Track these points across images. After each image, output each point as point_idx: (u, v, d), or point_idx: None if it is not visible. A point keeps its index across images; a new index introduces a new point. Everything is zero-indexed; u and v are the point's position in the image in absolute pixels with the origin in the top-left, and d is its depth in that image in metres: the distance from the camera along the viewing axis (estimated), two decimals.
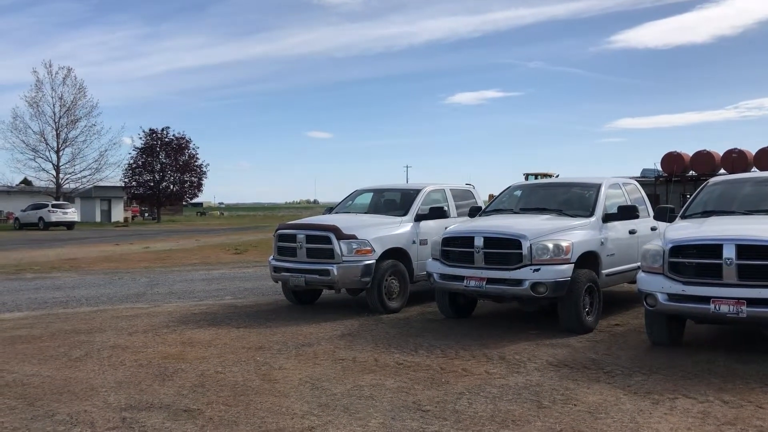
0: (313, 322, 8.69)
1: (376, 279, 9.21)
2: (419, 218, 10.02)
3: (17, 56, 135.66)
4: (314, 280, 9.35)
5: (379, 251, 9.28)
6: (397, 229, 9.79)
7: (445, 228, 9.99)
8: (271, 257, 10.07)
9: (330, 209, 11.75)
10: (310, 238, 9.47)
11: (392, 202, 10.94)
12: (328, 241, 9.23)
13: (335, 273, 9.06)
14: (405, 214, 10.06)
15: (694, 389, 5.38)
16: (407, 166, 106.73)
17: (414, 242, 9.83)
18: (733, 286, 6.12)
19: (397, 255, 9.60)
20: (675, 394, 5.27)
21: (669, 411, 4.87)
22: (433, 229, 9.93)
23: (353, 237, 9.18)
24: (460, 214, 10.66)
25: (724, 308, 6.11)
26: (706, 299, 6.23)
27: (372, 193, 11.52)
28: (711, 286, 6.24)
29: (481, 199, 11.62)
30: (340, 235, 9.17)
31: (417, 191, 10.52)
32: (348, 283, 9.28)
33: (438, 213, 10.11)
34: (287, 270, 9.59)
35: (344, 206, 11.39)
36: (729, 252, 6.16)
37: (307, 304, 10.28)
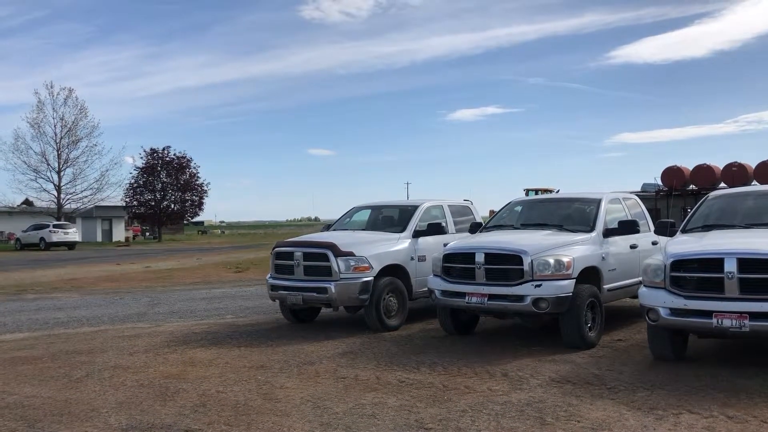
0: (314, 340, 8.66)
1: (375, 296, 9.11)
2: (417, 234, 9.96)
3: (21, 77, 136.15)
4: (312, 298, 9.27)
5: (377, 268, 9.20)
6: (395, 245, 9.72)
7: (444, 244, 9.95)
8: (269, 275, 10.01)
9: (328, 226, 11.66)
10: (307, 256, 9.40)
11: (390, 218, 10.88)
12: (326, 258, 9.14)
13: (333, 291, 8.97)
14: (403, 231, 9.99)
15: (698, 404, 5.35)
16: (407, 183, 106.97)
17: (412, 259, 9.76)
18: (736, 300, 6.11)
19: (395, 272, 9.51)
20: (679, 409, 5.24)
21: (673, 426, 4.84)
22: (432, 245, 9.88)
23: (351, 254, 9.10)
24: (458, 230, 10.61)
25: (726, 322, 6.09)
26: (708, 313, 6.21)
27: (370, 210, 11.46)
28: (713, 300, 6.23)
29: (479, 215, 11.58)
30: (338, 252, 9.10)
31: (415, 207, 10.46)
32: (346, 301, 9.16)
33: (436, 229, 10.02)
34: (285, 288, 9.51)
35: (342, 223, 11.32)
36: (730, 266, 6.15)
37: (306, 322, 10.21)
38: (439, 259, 8.52)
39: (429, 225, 10.08)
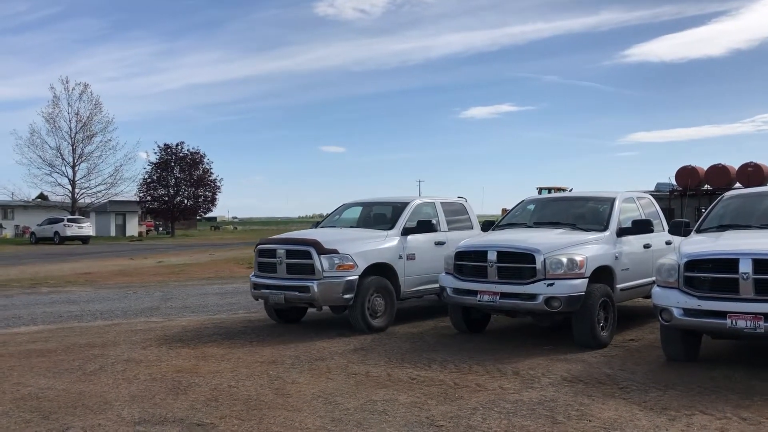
0: (326, 336, 8.68)
1: (360, 296, 8.77)
2: (406, 232, 9.57)
3: (36, 73, 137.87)
4: (294, 297, 8.93)
5: (362, 266, 8.85)
6: (383, 243, 9.33)
7: (435, 242, 9.78)
8: (252, 274, 9.70)
9: (317, 223, 11.23)
10: (290, 253, 9.06)
11: (380, 215, 10.52)
12: (309, 256, 8.81)
13: (315, 290, 8.64)
14: (391, 228, 9.61)
15: (712, 405, 5.31)
16: (420, 180, 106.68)
17: (401, 257, 9.39)
18: (750, 301, 6.06)
19: (382, 271, 9.17)
20: (692, 410, 5.21)
21: (686, 427, 4.81)
22: (422, 243, 9.64)
23: (335, 251, 8.76)
24: (451, 229, 10.32)
25: (741, 323, 6.05)
26: (722, 314, 6.17)
27: (360, 207, 11.09)
28: (727, 301, 6.18)
29: (474, 213, 11.14)
30: (321, 250, 8.76)
31: (405, 204, 10.06)
32: (329, 301, 8.84)
33: (426, 227, 9.61)
34: (267, 287, 9.18)
35: (331, 220, 10.95)
36: (745, 266, 6.10)
37: (292, 323, 9.86)
38: (451, 256, 8.49)
39: (419, 222, 9.66)
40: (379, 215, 10.59)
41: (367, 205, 11.06)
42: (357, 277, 8.81)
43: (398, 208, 10.10)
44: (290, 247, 9.17)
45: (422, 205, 10.28)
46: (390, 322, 9.21)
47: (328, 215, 11.32)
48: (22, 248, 39.62)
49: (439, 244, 9.90)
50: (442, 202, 10.65)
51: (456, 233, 10.19)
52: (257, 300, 9.85)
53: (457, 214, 10.77)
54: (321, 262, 8.73)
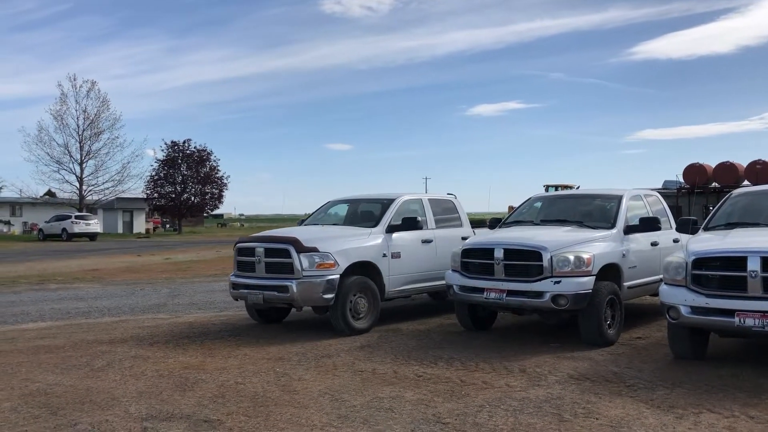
0: (332, 333, 8.67)
1: (341, 296, 8.45)
2: (391, 229, 9.25)
3: (44, 70, 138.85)
4: (273, 297, 8.62)
5: (343, 265, 8.53)
6: (366, 241, 9.01)
7: (422, 240, 9.63)
8: (232, 273, 9.49)
9: (302, 221, 10.94)
10: (268, 252, 8.78)
11: (366, 213, 10.14)
12: (287, 254, 8.50)
13: (294, 289, 8.33)
14: (375, 226, 9.29)
15: (719, 404, 5.29)
16: (426, 178, 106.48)
17: (385, 255, 9.06)
18: (759, 299, 6.02)
19: (365, 270, 8.87)
20: (699, 408, 5.19)
21: (693, 426, 4.80)
22: (408, 241, 9.37)
23: (314, 249, 8.44)
24: (439, 226, 10.08)
25: (749, 321, 6.02)
26: (730, 312, 6.14)
27: (346, 204, 10.75)
28: (735, 299, 6.15)
29: (464, 211, 10.86)
30: (300, 248, 8.45)
31: (390, 201, 9.71)
32: (309, 301, 8.51)
33: (411, 224, 9.30)
34: (246, 287, 8.91)
35: (315, 218, 10.64)
36: (754, 264, 6.07)
37: (274, 323, 9.61)
38: (457, 254, 8.48)
39: (404, 219, 9.33)
40: (365, 212, 10.18)
41: (353, 203, 10.66)
42: (338, 276, 8.48)
43: (384, 205, 9.75)
44: (269, 245, 8.89)
45: (408, 202, 9.93)
46: (374, 323, 8.90)
47: (313, 213, 11.00)
48: (30, 245, 39.82)
49: (426, 242, 9.70)
50: (429, 200, 10.34)
51: (444, 231, 10.04)
52: (237, 300, 9.58)
53: (446, 212, 10.48)
54: (300, 261, 8.42)
